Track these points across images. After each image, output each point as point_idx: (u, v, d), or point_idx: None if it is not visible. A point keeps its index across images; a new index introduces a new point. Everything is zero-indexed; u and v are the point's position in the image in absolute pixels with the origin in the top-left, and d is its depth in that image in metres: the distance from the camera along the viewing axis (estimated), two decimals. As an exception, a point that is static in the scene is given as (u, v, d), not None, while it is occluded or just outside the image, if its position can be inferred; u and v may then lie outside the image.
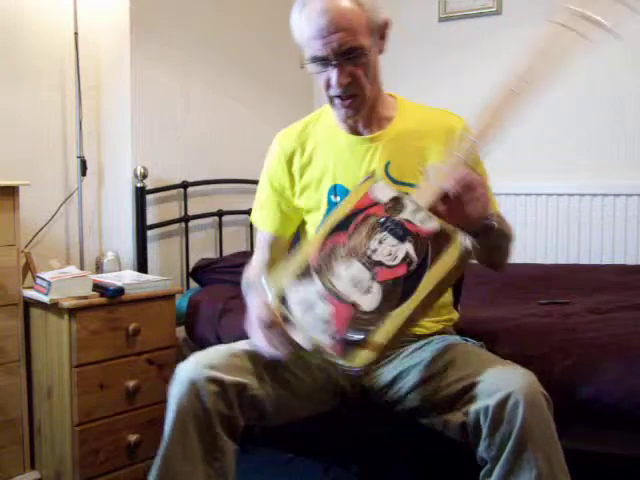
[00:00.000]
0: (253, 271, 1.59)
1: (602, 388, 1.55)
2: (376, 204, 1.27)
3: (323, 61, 1.37)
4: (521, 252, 3.09)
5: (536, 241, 3.08)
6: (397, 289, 1.18)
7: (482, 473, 1.26)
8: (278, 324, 1.24)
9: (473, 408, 1.25)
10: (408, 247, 1.21)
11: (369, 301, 1.18)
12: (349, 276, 1.21)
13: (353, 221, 1.26)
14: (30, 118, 2.46)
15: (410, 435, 1.47)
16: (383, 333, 1.14)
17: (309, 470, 1.63)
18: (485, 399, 1.23)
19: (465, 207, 1.22)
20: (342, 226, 1.26)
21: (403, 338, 1.24)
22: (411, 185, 1.47)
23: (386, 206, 1.26)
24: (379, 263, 1.21)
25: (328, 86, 1.41)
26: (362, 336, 1.13)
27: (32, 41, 2.44)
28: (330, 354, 1.16)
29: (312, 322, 1.18)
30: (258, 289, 1.36)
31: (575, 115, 3.00)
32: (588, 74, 2.94)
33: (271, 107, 3.26)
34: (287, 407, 1.40)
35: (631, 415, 1.52)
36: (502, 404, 1.20)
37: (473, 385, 1.27)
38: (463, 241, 1.19)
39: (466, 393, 1.27)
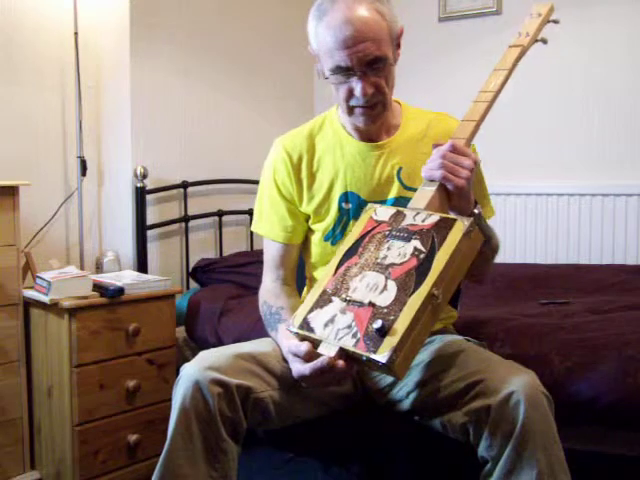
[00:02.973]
0: (270, 295, 1.54)
1: (602, 388, 1.55)
2: (380, 224, 1.31)
3: (347, 71, 1.36)
4: (521, 252, 3.09)
5: (536, 241, 3.08)
6: (411, 279, 1.20)
7: (483, 473, 1.26)
8: (311, 352, 1.23)
9: (474, 407, 1.25)
10: (415, 243, 1.24)
11: (386, 297, 1.19)
12: (364, 284, 1.23)
13: (361, 244, 1.30)
14: (30, 118, 2.46)
15: (410, 435, 1.47)
16: (402, 318, 1.15)
17: (309, 470, 1.63)
18: (486, 398, 1.23)
19: (458, 173, 1.26)
20: (351, 251, 1.30)
21: (429, 325, 1.22)
22: None
23: (389, 222, 1.30)
24: (391, 265, 1.23)
25: (350, 96, 1.40)
26: (381, 324, 1.14)
27: (32, 41, 2.44)
28: (356, 353, 1.17)
29: (335, 333, 1.20)
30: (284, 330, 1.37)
31: (575, 115, 3.00)
32: (588, 74, 2.95)
33: (271, 107, 3.26)
34: (291, 411, 1.39)
35: (631, 415, 1.52)
36: (503, 403, 1.20)
37: (474, 384, 1.27)
38: (463, 220, 1.23)
39: (467, 392, 1.27)
